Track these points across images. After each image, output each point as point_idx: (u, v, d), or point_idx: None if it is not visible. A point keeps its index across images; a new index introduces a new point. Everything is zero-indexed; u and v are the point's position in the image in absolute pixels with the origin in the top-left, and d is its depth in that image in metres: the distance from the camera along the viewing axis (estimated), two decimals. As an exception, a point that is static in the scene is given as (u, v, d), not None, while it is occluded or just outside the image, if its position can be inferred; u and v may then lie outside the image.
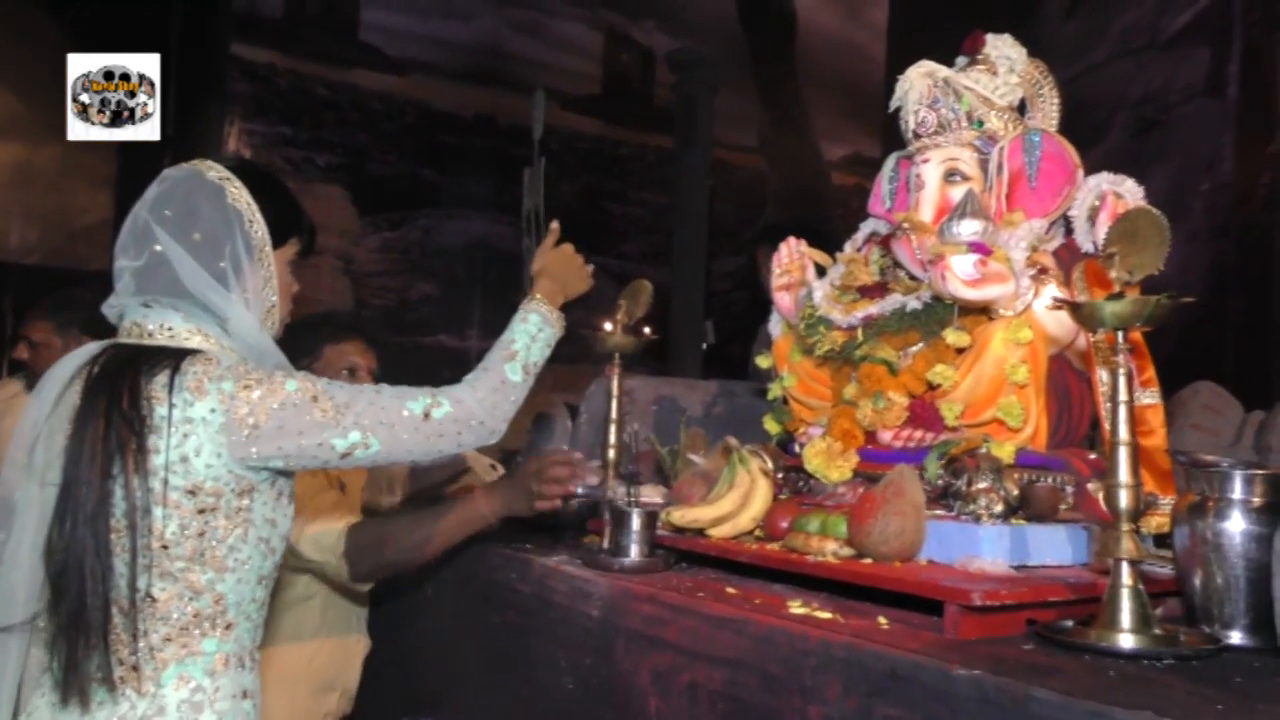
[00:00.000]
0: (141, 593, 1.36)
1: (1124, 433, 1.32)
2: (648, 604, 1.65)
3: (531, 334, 1.70)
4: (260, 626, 1.51)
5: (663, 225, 8.56)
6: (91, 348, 1.46)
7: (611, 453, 2.22)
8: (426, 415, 1.49)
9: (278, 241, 1.54)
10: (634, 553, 1.84)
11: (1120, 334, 1.32)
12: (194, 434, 1.37)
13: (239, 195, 1.49)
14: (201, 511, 1.38)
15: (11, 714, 1.40)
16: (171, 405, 1.36)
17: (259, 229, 1.50)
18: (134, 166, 6.78)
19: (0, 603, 1.40)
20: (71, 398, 1.41)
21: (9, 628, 1.39)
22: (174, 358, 1.40)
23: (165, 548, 1.36)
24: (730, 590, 1.67)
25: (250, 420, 1.38)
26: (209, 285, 1.44)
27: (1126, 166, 1.87)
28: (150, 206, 1.47)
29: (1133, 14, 6.64)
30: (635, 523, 1.85)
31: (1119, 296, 1.30)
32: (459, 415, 1.53)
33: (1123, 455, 1.31)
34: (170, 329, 1.45)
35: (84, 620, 1.34)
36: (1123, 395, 1.32)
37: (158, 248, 1.44)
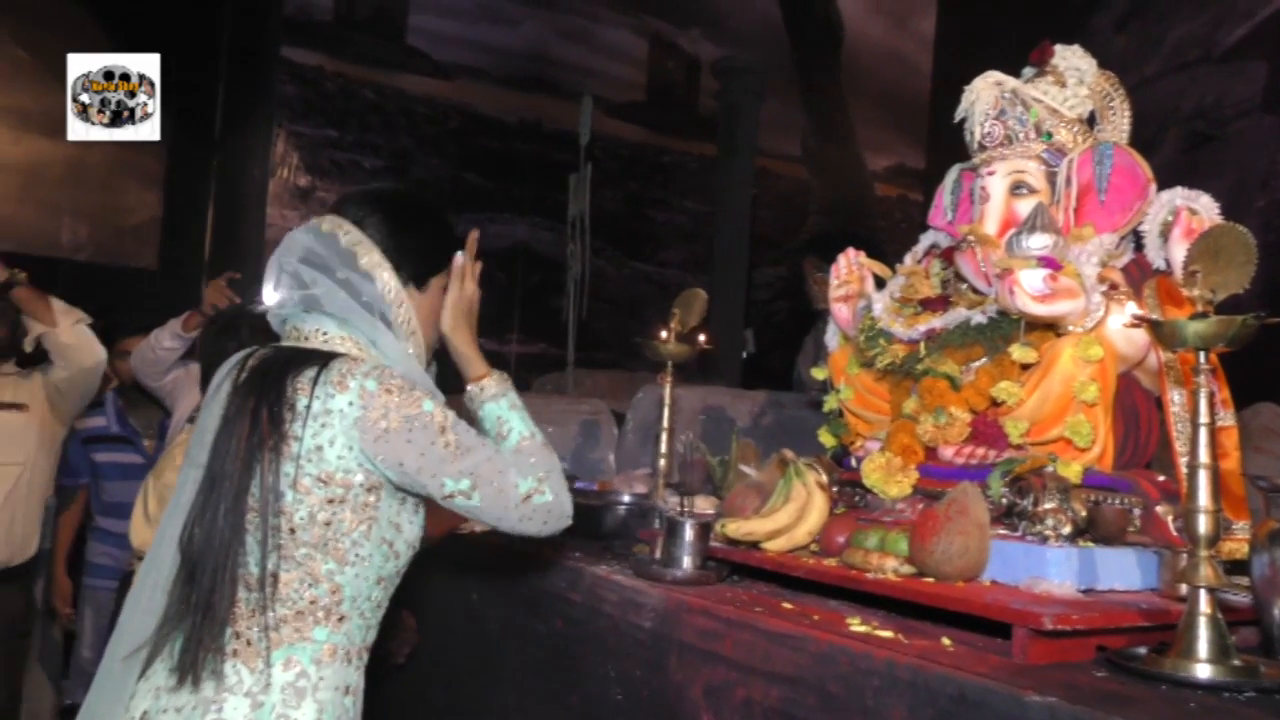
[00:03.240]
0: (267, 572, 1.41)
1: (1204, 455, 1.28)
2: (702, 617, 1.63)
3: (520, 412, 1.63)
4: (374, 627, 1.55)
5: (704, 233, 8.53)
6: (255, 348, 1.57)
7: (662, 462, 2.20)
8: (528, 497, 1.51)
9: (432, 270, 1.61)
10: (687, 564, 1.82)
11: (1202, 354, 1.28)
12: (330, 425, 1.43)
13: (370, 257, 1.54)
14: (330, 501, 1.43)
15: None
16: (314, 397, 1.43)
17: (391, 286, 1.55)
18: (183, 165, 6.88)
19: (137, 624, 1.47)
20: (225, 390, 1.50)
21: (138, 650, 1.45)
22: (324, 358, 1.47)
23: (293, 531, 1.42)
24: (786, 605, 1.64)
25: (383, 423, 1.43)
26: (354, 312, 1.52)
27: (1179, 181, 1.83)
28: (292, 259, 1.55)
29: (1186, 27, 6.53)
30: (689, 534, 1.82)
31: (1203, 315, 1.26)
32: (552, 508, 1.55)
33: (1203, 479, 1.27)
34: (325, 334, 1.53)
35: (215, 599, 1.40)
36: (1204, 417, 1.27)
37: (313, 290, 1.52)
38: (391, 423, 1.43)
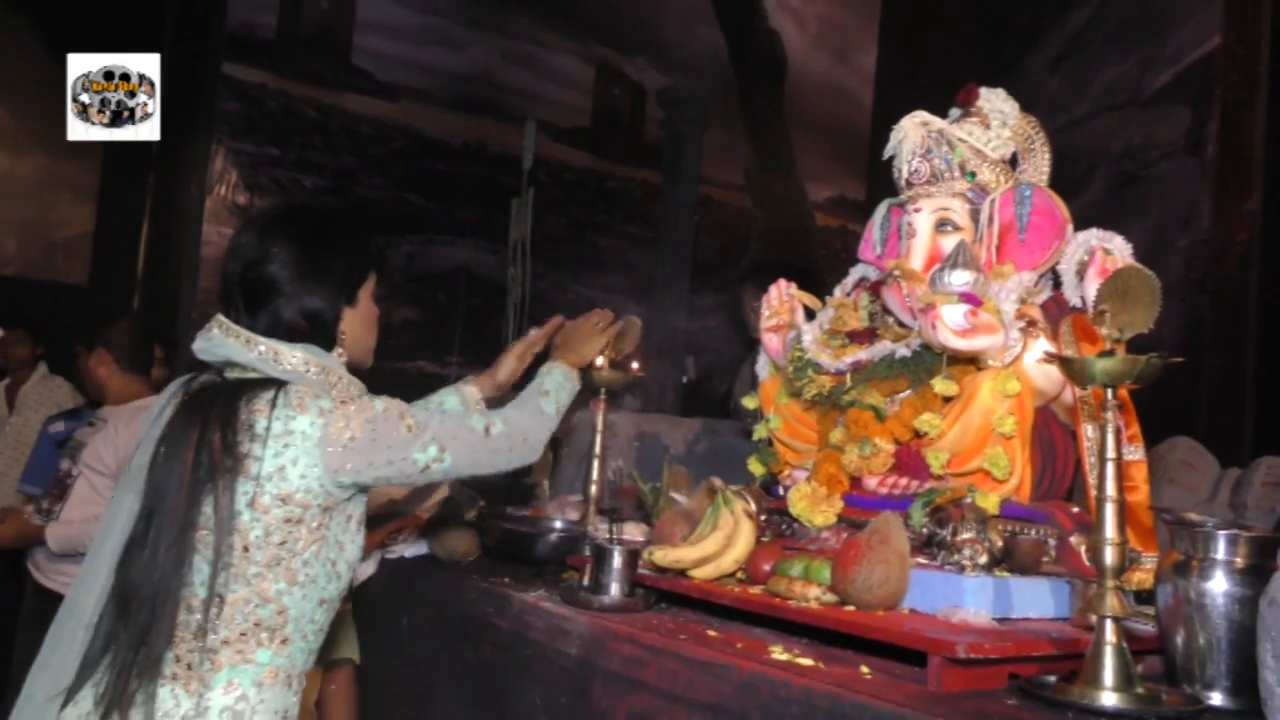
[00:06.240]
0: (214, 592, 1.40)
1: (1111, 489, 1.32)
2: (627, 644, 1.63)
3: (559, 382, 1.87)
4: (313, 652, 1.54)
5: (647, 259, 8.58)
6: (197, 374, 1.55)
7: (594, 488, 2.21)
8: (487, 431, 1.63)
9: (357, 283, 1.61)
10: (614, 591, 1.83)
11: (1109, 391, 1.32)
12: (293, 445, 1.43)
13: (283, 355, 1.51)
14: (288, 521, 1.43)
15: None
16: (274, 418, 1.43)
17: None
18: (119, 179, 6.74)
19: (59, 661, 1.43)
20: (167, 417, 1.49)
21: (63, 692, 1.40)
22: (277, 383, 1.47)
23: (246, 550, 1.42)
24: (711, 633, 1.66)
25: (346, 434, 1.46)
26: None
27: (1106, 220, 1.90)
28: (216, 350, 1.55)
29: (1116, 70, 6.74)
30: (617, 560, 1.83)
31: (1110, 354, 1.31)
32: (511, 433, 1.66)
33: (1109, 512, 1.32)
34: (276, 351, 1.50)
35: (152, 636, 1.37)
36: (1110, 452, 1.32)
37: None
38: (355, 430, 1.46)
